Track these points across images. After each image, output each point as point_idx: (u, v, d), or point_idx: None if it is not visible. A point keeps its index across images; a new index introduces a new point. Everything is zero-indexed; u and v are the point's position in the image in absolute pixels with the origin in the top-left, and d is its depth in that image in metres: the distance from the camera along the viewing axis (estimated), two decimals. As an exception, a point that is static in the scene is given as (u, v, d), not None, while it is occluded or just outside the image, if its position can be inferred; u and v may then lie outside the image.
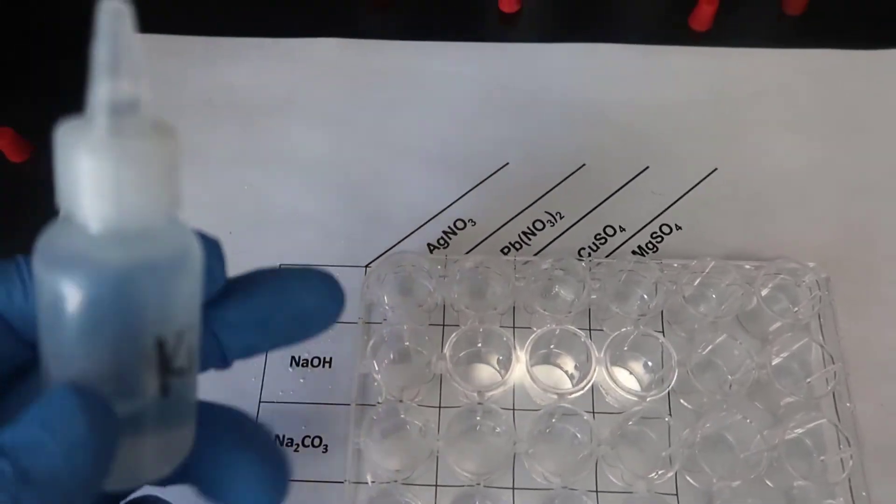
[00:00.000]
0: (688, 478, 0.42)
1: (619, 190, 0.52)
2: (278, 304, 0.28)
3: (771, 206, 0.51)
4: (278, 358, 0.46)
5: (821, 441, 0.43)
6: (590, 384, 0.43)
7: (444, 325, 0.47)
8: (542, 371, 0.45)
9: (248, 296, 0.28)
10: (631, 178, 0.52)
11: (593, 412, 0.44)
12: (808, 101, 0.55)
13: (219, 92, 0.56)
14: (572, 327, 0.44)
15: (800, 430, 0.42)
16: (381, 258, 0.47)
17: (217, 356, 0.28)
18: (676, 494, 0.42)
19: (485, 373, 0.45)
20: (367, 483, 0.41)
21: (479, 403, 0.42)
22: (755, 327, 0.46)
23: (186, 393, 0.24)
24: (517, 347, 0.44)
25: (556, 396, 0.43)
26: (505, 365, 0.44)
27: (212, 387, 0.46)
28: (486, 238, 0.50)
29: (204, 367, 0.29)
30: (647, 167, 0.53)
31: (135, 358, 0.21)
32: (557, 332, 0.44)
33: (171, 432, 0.23)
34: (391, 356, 0.46)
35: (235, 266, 0.48)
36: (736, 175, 0.52)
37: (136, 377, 0.21)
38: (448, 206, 0.51)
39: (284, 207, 0.51)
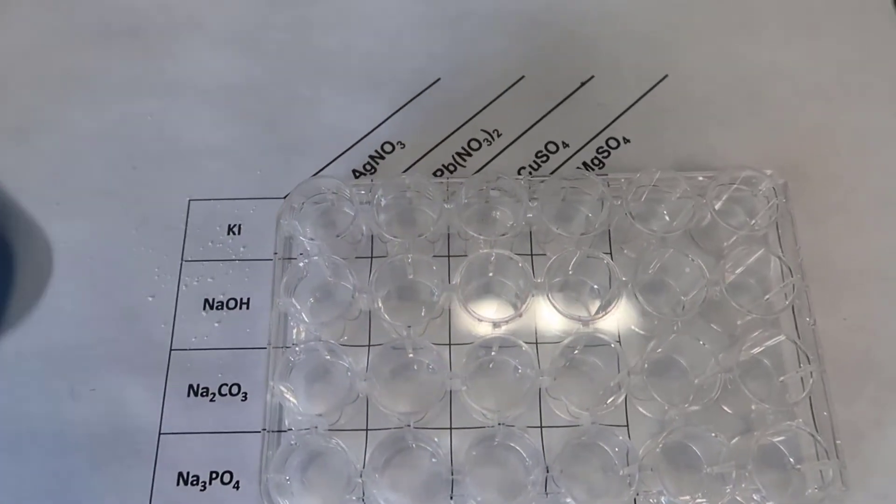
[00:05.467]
0: (639, 407, 0.39)
1: (561, 103, 0.47)
2: None
3: (724, 113, 0.47)
4: (190, 302, 0.42)
5: (780, 361, 0.40)
6: (525, 311, 0.39)
7: (371, 257, 0.43)
8: (479, 300, 0.41)
9: None
10: (574, 89, 0.48)
11: (536, 342, 0.40)
12: (760, 3, 0.51)
13: (116, 15, 0.50)
14: (507, 252, 0.40)
15: (757, 350, 0.39)
16: (298, 186, 0.42)
17: None
18: (627, 425, 0.39)
19: (417, 306, 0.41)
20: (286, 431, 0.37)
21: (410, 340, 0.39)
22: (709, 243, 0.42)
23: None
24: (451, 277, 0.41)
25: (493, 327, 0.39)
26: (439, 296, 0.40)
27: (118, 334, 0.43)
28: (417, 161, 0.46)
29: None
30: (592, 77, 0.48)
31: None
32: (493, 257, 0.40)
33: None
34: (313, 293, 0.41)
35: (143, 201, 0.44)
36: (687, 82, 0.48)
37: None
38: (374, 129, 0.47)
39: (192, 138, 0.46)
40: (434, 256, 0.41)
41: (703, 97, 0.48)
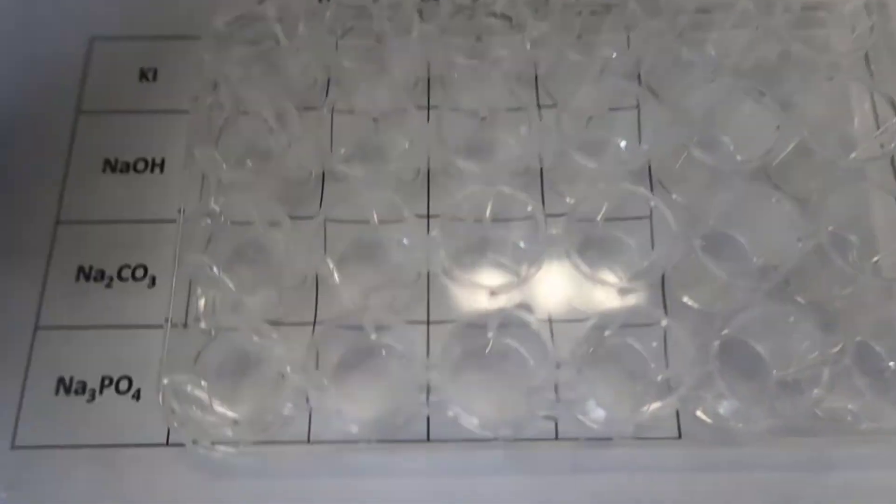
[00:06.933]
0: (685, 299, 0.29)
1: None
2: None
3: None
4: (85, 162, 0.32)
5: (871, 235, 0.30)
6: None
7: (331, 113, 0.32)
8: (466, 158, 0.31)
9: None
10: None
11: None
12: None
13: None
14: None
15: (838, 221, 0.29)
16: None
17: None
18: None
19: (386, 169, 0.31)
20: (201, 326, 0.27)
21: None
22: (773, 84, 0.32)
23: None
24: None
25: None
26: (412, 152, 0.30)
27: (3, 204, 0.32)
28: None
29: None
30: None
31: None
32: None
33: None
34: (245, 149, 0.31)
35: (29, 39, 0.34)
36: None
37: None
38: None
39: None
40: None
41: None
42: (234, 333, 0.27)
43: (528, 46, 0.30)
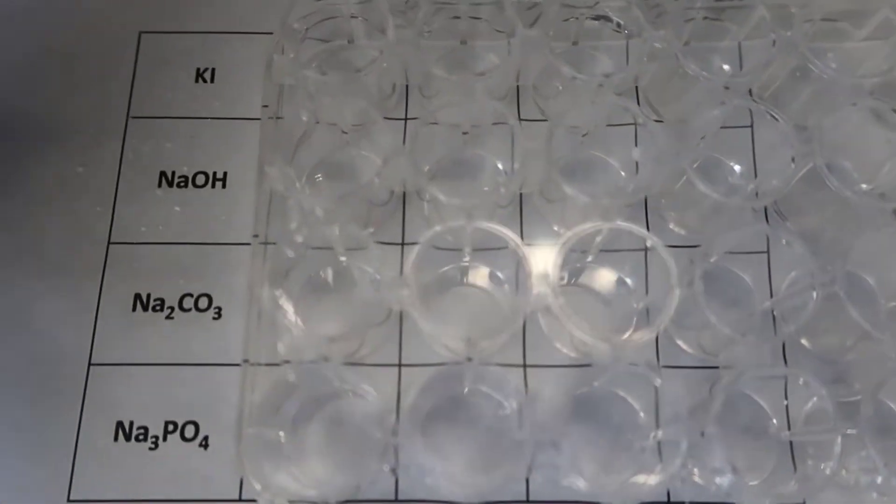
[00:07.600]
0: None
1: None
2: None
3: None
4: (139, 175, 0.28)
5: None
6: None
7: (405, 119, 0.29)
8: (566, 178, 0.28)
9: None
10: None
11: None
12: None
13: None
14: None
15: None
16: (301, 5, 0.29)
17: None
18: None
19: (476, 186, 0.28)
20: (280, 364, 0.24)
21: (467, 234, 0.25)
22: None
23: None
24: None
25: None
26: (510, 174, 0.27)
27: (33, 218, 0.27)
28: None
29: None
30: None
31: None
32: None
33: None
34: (320, 166, 0.28)
35: (71, 33, 0.30)
36: None
37: None
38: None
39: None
40: (494, 124, 0.28)
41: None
42: (317, 379, 0.24)
43: (645, 58, 0.27)
